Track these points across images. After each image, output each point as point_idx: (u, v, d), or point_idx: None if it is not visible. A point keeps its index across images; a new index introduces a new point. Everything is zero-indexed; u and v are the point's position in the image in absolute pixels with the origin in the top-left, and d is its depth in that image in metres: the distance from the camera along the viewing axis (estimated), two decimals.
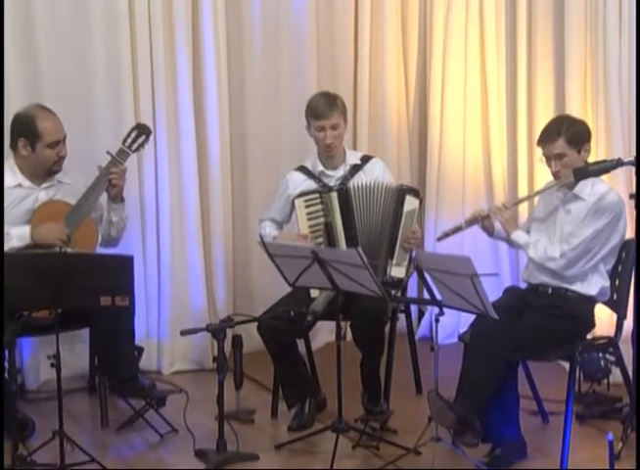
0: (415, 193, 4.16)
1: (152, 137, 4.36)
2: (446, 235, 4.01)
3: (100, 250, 4.26)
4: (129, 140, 4.25)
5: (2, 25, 4.52)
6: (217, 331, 3.73)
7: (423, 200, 4.14)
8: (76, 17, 4.80)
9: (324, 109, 4.14)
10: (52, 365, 3.53)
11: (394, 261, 4.06)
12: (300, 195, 4.15)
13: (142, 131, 4.28)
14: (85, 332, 4.38)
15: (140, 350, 4.50)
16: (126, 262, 3.64)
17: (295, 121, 4.87)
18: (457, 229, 4.01)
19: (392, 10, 5.61)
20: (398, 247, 4.07)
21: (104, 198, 4.25)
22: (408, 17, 5.74)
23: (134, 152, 4.28)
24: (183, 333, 3.85)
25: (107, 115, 4.87)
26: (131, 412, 4.18)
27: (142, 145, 4.28)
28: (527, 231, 4.07)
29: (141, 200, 4.93)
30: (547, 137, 3.85)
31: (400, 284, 4.07)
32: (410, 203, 4.10)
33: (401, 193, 4.10)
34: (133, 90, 4.89)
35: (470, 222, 4.01)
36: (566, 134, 3.80)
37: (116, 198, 4.24)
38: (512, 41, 5.47)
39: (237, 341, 4.06)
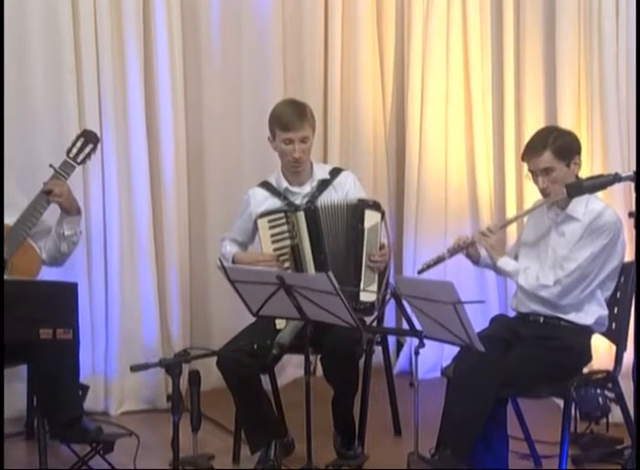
0: (375, 206, 4.17)
1: (99, 147, 4.34)
2: (428, 267, 4.04)
3: (44, 269, 4.24)
4: (74, 150, 4.24)
5: (2, 26, 4.58)
6: (172, 366, 3.69)
7: (384, 213, 4.14)
8: (13, 13, 4.77)
9: (293, 119, 4.13)
10: None
11: (363, 285, 4.07)
12: (264, 214, 4.15)
13: (88, 140, 4.26)
14: (23, 369, 4.34)
15: (85, 388, 4.46)
16: (69, 290, 3.62)
17: (257, 133, 4.88)
18: (439, 259, 4.03)
19: (366, 8, 5.65)
20: (364, 268, 4.08)
21: (51, 212, 4.22)
22: (384, 16, 5.79)
23: (80, 164, 4.27)
24: (133, 369, 3.80)
25: (47, 121, 4.85)
26: (75, 459, 4.13)
27: (89, 156, 4.27)
28: (515, 256, 4.09)
29: (86, 219, 4.89)
30: (532, 150, 3.88)
31: (372, 309, 4.08)
32: (371, 218, 4.11)
33: (359, 208, 4.12)
34: (77, 94, 4.87)
35: (453, 251, 4.05)
36: (552, 146, 3.82)
37: (71, 211, 4.23)
38: (498, 47, 5.53)
39: (194, 377, 4.01)
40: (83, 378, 4.38)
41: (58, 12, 4.80)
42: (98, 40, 4.90)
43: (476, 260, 4.12)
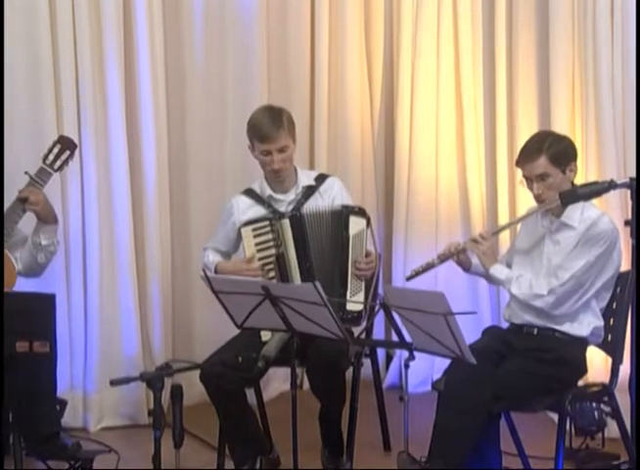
0: (360, 212, 4.18)
1: (77, 153, 4.33)
2: (417, 273, 4.05)
3: (21, 280, 4.22)
4: (51, 157, 4.23)
5: (2, 26, 4.59)
6: (153, 380, 3.68)
7: (370, 219, 4.15)
8: None
9: (269, 130, 4.12)
10: None
11: (349, 293, 4.07)
12: (248, 223, 4.16)
13: (66, 146, 4.26)
14: None
15: (63, 403, 4.46)
16: (47, 302, 3.62)
17: (241, 138, 4.81)
18: (429, 266, 4.04)
19: (354, 11, 5.66)
20: (350, 276, 4.09)
21: (27, 221, 4.21)
22: (372, 19, 5.80)
23: (57, 171, 4.26)
24: (113, 383, 3.78)
25: (24, 126, 4.83)
26: None
27: (66, 162, 4.26)
28: (508, 264, 4.10)
29: (64, 228, 4.88)
30: (527, 155, 3.89)
31: (359, 319, 4.08)
32: (356, 224, 4.12)
33: (344, 215, 4.12)
34: (54, 99, 4.85)
35: (443, 257, 4.05)
36: (548, 152, 3.83)
37: (48, 219, 4.22)
38: (490, 49, 5.55)
39: (176, 391, 4.00)
40: (61, 392, 4.37)
41: (34, 15, 4.79)
42: (77, 42, 4.88)
43: (467, 268, 4.13)
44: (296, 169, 4.30)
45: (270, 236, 4.12)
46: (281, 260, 4.09)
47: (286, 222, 4.10)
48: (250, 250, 4.12)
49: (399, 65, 5.66)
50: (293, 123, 4.21)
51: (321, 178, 4.35)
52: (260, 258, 4.12)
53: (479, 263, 4.06)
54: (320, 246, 4.12)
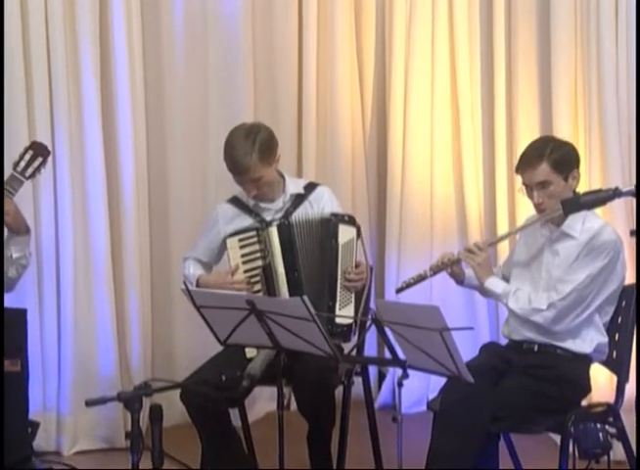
0: (349, 221, 4.18)
1: (50, 160, 4.32)
2: (407, 286, 4.06)
3: None
4: (22, 164, 4.22)
5: (2, 26, 4.60)
6: (131, 400, 3.67)
7: (360, 228, 4.16)
8: None
9: (241, 162, 4.08)
10: None
11: (338, 306, 4.08)
12: (234, 233, 4.15)
13: (38, 152, 4.25)
14: None
15: (35, 425, 4.44)
16: (18, 318, 3.61)
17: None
18: (420, 278, 4.04)
19: (344, 10, 5.67)
20: (339, 287, 4.09)
21: None
22: (363, 19, 5.81)
23: (29, 179, 4.25)
24: (89, 403, 3.77)
25: None
26: None
27: (38, 169, 4.25)
28: (505, 277, 4.10)
29: (37, 239, 4.88)
30: (528, 162, 3.89)
31: (349, 333, 4.08)
32: (345, 233, 4.12)
33: (332, 223, 4.13)
34: (27, 101, 4.85)
35: (436, 269, 4.05)
36: (550, 158, 3.84)
37: (19, 230, 4.21)
38: (487, 49, 5.55)
39: (155, 412, 3.99)
40: (33, 414, 4.36)
41: (5, 18, 4.78)
42: (49, 44, 4.87)
43: (460, 280, 4.13)
44: (284, 177, 4.31)
45: (257, 247, 4.12)
46: (268, 272, 4.09)
47: (273, 230, 4.10)
48: (235, 261, 4.12)
49: (392, 67, 5.67)
50: (269, 147, 4.14)
51: (311, 187, 4.35)
52: (246, 271, 4.12)
53: (473, 276, 4.05)
54: (308, 255, 4.12)
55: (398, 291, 4.10)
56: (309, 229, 4.13)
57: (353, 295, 4.12)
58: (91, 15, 4.98)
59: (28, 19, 4.83)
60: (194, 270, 4.29)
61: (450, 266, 4.05)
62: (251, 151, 4.08)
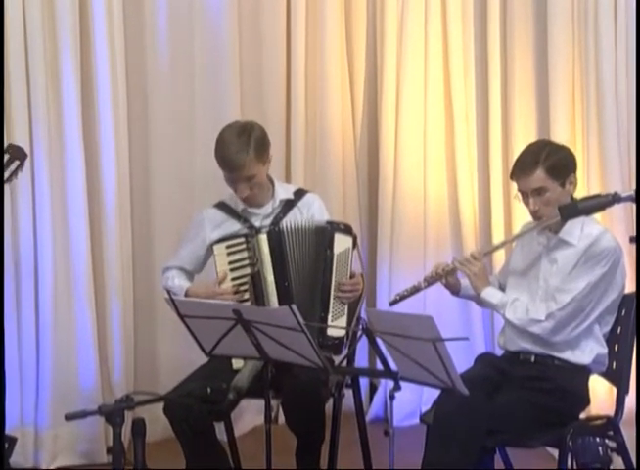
0: (346, 230, 4.18)
1: (28, 163, 4.31)
2: (401, 298, 4.07)
3: None
4: None
5: (2, 26, 4.60)
6: (113, 414, 3.66)
7: (356, 237, 4.16)
8: None
9: (234, 158, 4.09)
10: None
11: (330, 318, 4.07)
12: (221, 239, 4.15)
13: (14, 155, 4.24)
14: None
15: (12, 440, 4.42)
16: None
17: (210, 149, 4.82)
18: (414, 290, 4.05)
19: (334, 10, 5.66)
20: (332, 299, 4.09)
21: None
22: (353, 18, 5.81)
23: (5, 183, 4.23)
24: (68, 417, 3.76)
25: None
26: None
27: (15, 173, 4.24)
28: (502, 286, 4.10)
29: (14, 246, 4.87)
30: (523, 168, 3.90)
31: (341, 346, 4.07)
32: (341, 242, 4.12)
33: (328, 232, 4.12)
34: (3, 102, 4.83)
35: (430, 280, 4.06)
36: (545, 163, 3.84)
37: None
38: (482, 50, 5.56)
39: (138, 426, 3.98)
40: (9, 429, 4.34)
41: None
42: (27, 40, 4.85)
43: (456, 291, 4.14)
44: (272, 182, 4.30)
45: (245, 254, 4.11)
46: (257, 280, 4.08)
47: (263, 237, 4.09)
48: (222, 269, 4.10)
49: (384, 68, 5.67)
50: (264, 145, 4.17)
51: (300, 193, 4.36)
52: (234, 278, 4.11)
53: (469, 286, 4.06)
54: (300, 265, 4.11)
55: (392, 303, 4.10)
56: (302, 237, 4.12)
57: (347, 307, 4.11)
58: (71, 12, 4.96)
59: (7, 16, 4.80)
60: (179, 282, 4.28)
61: (445, 277, 4.06)
62: (246, 147, 4.09)
